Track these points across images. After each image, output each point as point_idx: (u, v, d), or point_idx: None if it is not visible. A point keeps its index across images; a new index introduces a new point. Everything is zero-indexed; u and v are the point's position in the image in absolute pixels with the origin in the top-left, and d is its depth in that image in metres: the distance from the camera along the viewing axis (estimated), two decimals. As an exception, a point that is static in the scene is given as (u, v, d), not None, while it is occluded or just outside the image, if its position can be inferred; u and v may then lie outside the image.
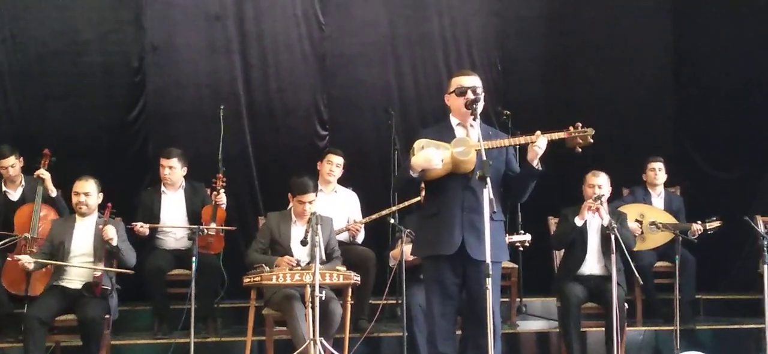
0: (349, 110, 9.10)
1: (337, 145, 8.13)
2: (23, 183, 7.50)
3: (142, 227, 7.24)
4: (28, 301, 6.69)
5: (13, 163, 7.42)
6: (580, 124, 5.06)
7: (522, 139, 5.09)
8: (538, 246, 7.48)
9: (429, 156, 4.99)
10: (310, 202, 6.64)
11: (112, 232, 6.45)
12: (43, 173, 7.26)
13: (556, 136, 5.06)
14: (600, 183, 7.02)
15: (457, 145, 5.05)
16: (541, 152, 5.04)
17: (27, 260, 6.39)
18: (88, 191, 6.63)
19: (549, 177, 7.92)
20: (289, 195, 6.76)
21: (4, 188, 7.50)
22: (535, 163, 5.07)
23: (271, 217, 6.89)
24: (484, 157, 4.74)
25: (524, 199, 5.39)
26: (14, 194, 7.50)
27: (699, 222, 7.75)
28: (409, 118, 8.94)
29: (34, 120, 8.53)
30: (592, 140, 5.06)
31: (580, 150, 5.07)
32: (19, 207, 7.32)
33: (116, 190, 7.03)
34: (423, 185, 5.38)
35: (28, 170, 7.50)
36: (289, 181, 6.89)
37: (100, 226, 6.50)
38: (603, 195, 6.84)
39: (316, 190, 6.81)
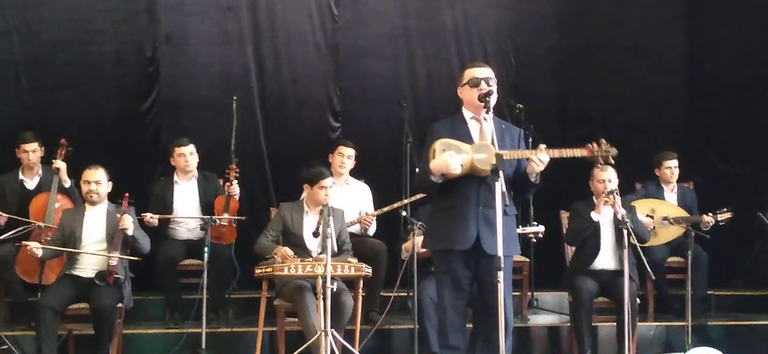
0: (362, 102, 9.10)
1: (349, 137, 8.13)
2: (40, 172, 7.54)
3: (152, 218, 7.25)
4: (41, 289, 6.72)
5: (35, 149, 7.47)
6: (604, 141, 5.01)
7: (528, 153, 5.02)
8: (550, 240, 7.48)
9: (447, 161, 4.91)
10: (330, 187, 6.70)
11: (129, 222, 6.46)
12: (59, 163, 7.28)
13: (578, 153, 5.02)
14: (609, 177, 6.99)
15: (479, 151, 4.97)
16: (539, 169, 4.98)
17: (35, 246, 6.39)
18: (99, 179, 6.63)
19: (561, 171, 7.96)
20: (306, 186, 6.76)
21: (20, 176, 7.54)
22: (533, 178, 5.02)
23: (283, 207, 6.90)
24: (498, 150, 4.74)
25: (527, 196, 5.34)
26: (30, 183, 7.54)
27: (710, 214, 7.73)
28: (421, 111, 8.91)
29: (47, 109, 8.54)
30: (613, 162, 5.02)
31: (599, 166, 5.03)
32: (35, 196, 7.36)
33: (128, 181, 7.05)
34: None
35: (44, 160, 7.54)
36: (301, 173, 6.90)
37: (118, 215, 6.51)
38: (616, 189, 6.83)
39: (331, 175, 6.86)
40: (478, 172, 4.96)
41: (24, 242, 6.52)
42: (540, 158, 4.94)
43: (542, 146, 4.97)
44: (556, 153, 5.00)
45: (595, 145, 5.01)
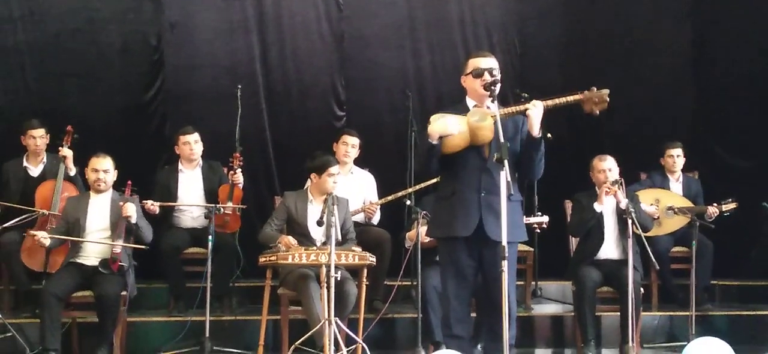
0: (366, 91, 9.09)
1: (353, 127, 8.12)
2: (44, 160, 7.55)
3: (153, 205, 7.25)
4: (45, 277, 6.73)
5: (42, 135, 7.50)
6: (594, 88, 5.03)
7: (521, 108, 5.04)
8: (554, 230, 7.47)
9: (446, 121, 4.98)
10: (337, 174, 6.70)
11: (132, 210, 6.49)
12: (66, 151, 7.31)
13: (571, 99, 5.04)
14: (609, 166, 6.99)
15: (473, 115, 5.04)
16: (535, 118, 4.98)
17: (43, 236, 6.42)
18: (107, 168, 6.66)
19: (565, 161, 7.94)
20: (313, 175, 6.73)
21: (25, 163, 7.56)
22: (536, 132, 5.01)
23: (288, 196, 6.89)
24: (502, 139, 4.74)
25: (535, 174, 5.27)
26: (35, 170, 7.56)
27: (714, 204, 7.74)
28: (426, 100, 8.91)
29: (52, 98, 8.56)
30: (607, 100, 5.01)
31: (597, 113, 5.05)
32: (40, 183, 7.37)
33: (133, 169, 7.06)
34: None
35: (50, 148, 7.55)
36: (305, 162, 6.90)
37: (121, 203, 6.53)
38: (620, 179, 6.82)
39: (337, 163, 6.88)
40: (477, 135, 4.98)
41: (31, 231, 6.54)
42: (534, 104, 4.97)
43: (534, 101, 5.01)
44: (550, 102, 5.04)
45: (587, 92, 5.03)
